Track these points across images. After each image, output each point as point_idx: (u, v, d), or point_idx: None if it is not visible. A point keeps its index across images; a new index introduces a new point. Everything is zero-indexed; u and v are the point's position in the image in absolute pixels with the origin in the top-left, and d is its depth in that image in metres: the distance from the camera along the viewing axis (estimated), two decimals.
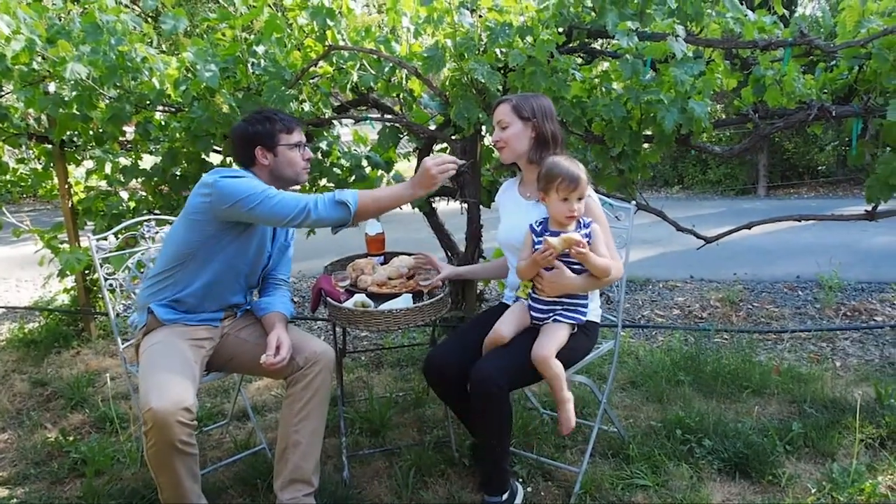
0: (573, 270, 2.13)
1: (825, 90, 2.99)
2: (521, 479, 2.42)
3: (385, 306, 2.30)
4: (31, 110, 3.55)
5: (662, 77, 2.82)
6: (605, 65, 3.28)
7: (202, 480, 2.08)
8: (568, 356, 2.18)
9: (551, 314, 2.17)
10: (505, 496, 2.21)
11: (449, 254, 3.78)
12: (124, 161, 3.64)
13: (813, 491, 2.30)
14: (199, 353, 2.16)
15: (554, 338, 2.12)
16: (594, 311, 2.32)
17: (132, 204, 3.70)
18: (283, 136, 2.24)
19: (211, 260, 2.18)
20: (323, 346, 2.25)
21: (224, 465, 2.58)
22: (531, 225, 2.20)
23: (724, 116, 3.25)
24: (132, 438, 2.80)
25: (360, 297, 2.37)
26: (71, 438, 2.80)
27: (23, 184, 4.32)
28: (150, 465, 1.94)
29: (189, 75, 3.07)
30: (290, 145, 2.25)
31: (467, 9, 3.00)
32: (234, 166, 2.41)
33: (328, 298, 2.39)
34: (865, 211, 3.13)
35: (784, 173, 9.56)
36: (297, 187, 2.42)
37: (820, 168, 9.50)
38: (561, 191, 2.07)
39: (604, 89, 3.05)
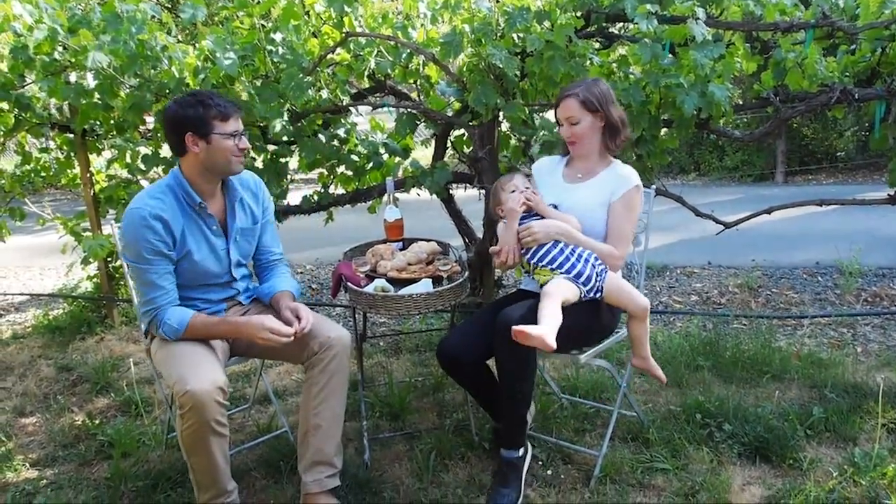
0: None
1: (847, 73, 2.95)
2: (540, 462, 2.44)
3: (405, 291, 2.32)
4: (53, 100, 3.59)
5: (682, 61, 2.80)
6: (622, 49, 3.25)
7: None
8: (592, 332, 2.27)
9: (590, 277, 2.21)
10: (521, 451, 2.24)
11: (466, 240, 3.79)
12: (145, 150, 3.67)
13: (835, 475, 2.29)
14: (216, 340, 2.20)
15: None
16: None
17: None
18: (218, 123, 2.06)
19: (171, 273, 2.14)
20: (338, 330, 2.23)
21: (247, 447, 2.63)
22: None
23: (740, 102, 3.21)
24: (157, 421, 2.86)
25: (380, 282, 2.39)
26: (97, 422, 2.86)
27: (45, 173, 4.38)
28: (185, 446, 1.97)
29: (208, 63, 3.09)
30: (224, 134, 2.07)
31: None
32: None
33: (349, 283, 2.41)
34: (888, 195, 3.09)
35: (802, 159, 9.40)
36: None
37: (839, 154, 9.34)
38: (505, 187, 2.35)
39: (622, 74, 3.03)
